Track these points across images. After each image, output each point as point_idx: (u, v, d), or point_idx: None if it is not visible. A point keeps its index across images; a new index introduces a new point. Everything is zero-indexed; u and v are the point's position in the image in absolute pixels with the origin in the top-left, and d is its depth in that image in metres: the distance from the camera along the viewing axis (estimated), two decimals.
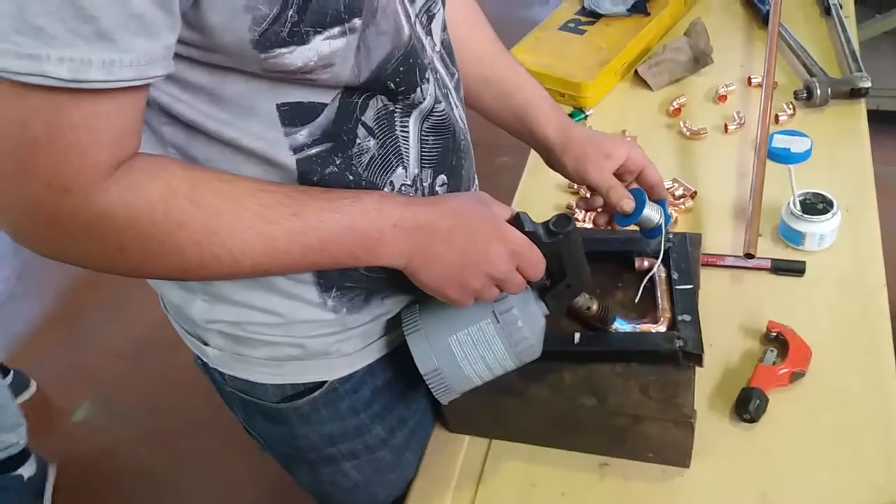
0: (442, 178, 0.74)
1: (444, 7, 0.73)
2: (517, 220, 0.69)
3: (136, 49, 0.48)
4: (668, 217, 0.85)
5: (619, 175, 0.85)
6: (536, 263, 0.69)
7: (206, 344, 0.77)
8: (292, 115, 0.61)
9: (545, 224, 0.70)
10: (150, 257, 0.56)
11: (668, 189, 1.15)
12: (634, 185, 0.86)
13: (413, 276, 0.67)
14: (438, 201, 0.68)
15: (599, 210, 0.88)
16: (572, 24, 1.50)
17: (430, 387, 0.74)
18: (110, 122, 0.51)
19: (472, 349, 0.72)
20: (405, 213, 0.64)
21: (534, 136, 0.88)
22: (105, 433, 2.02)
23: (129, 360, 2.18)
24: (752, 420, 0.85)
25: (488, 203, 0.69)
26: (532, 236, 0.69)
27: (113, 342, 2.25)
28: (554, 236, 0.69)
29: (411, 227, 0.64)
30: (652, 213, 0.84)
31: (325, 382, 0.78)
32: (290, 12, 0.53)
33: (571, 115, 1.35)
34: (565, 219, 0.69)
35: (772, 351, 0.90)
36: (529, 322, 0.72)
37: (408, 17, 0.64)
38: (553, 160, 0.88)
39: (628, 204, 0.82)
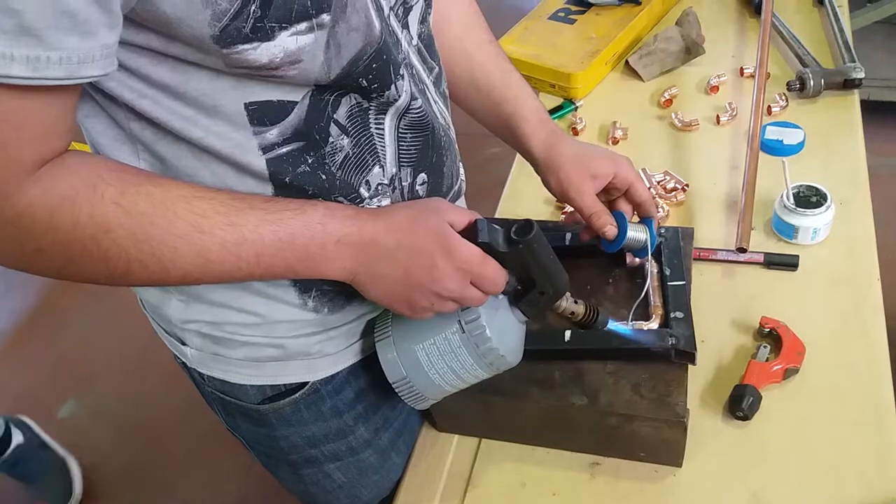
0: (422, 176, 0.71)
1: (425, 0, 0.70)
2: (473, 230, 0.64)
3: (66, 47, 0.46)
4: (654, 238, 0.83)
5: (606, 191, 0.82)
6: (492, 278, 0.64)
7: (183, 344, 0.75)
8: (261, 115, 0.58)
9: (506, 231, 0.65)
10: (72, 261, 0.54)
11: (659, 182, 1.14)
12: (623, 201, 0.83)
13: (360, 292, 0.65)
14: (386, 214, 0.64)
15: (585, 227, 0.85)
16: (562, 14, 1.47)
17: (399, 395, 0.72)
18: (36, 118, 0.49)
19: (439, 359, 0.69)
20: (351, 228, 0.61)
21: (520, 147, 0.86)
22: (91, 429, 2.00)
23: (112, 356, 2.16)
24: (746, 418, 0.84)
25: (441, 212, 0.64)
26: (487, 247, 0.64)
27: (96, 338, 2.22)
28: (513, 245, 0.64)
29: (356, 244, 0.61)
30: (637, 235, 0.81)
31: (306, 383, 0.76)
32: (253, 7, 0.51)
33: (561, 107, 1.33)
34: (527, 225, 0.64)
35: (765, 347, 0.89)
36: (500, 331, 0.69)
37: (379, 10, 0.61)
38: (539, 174, 0.86)
39: (611, 231, 0.80)
